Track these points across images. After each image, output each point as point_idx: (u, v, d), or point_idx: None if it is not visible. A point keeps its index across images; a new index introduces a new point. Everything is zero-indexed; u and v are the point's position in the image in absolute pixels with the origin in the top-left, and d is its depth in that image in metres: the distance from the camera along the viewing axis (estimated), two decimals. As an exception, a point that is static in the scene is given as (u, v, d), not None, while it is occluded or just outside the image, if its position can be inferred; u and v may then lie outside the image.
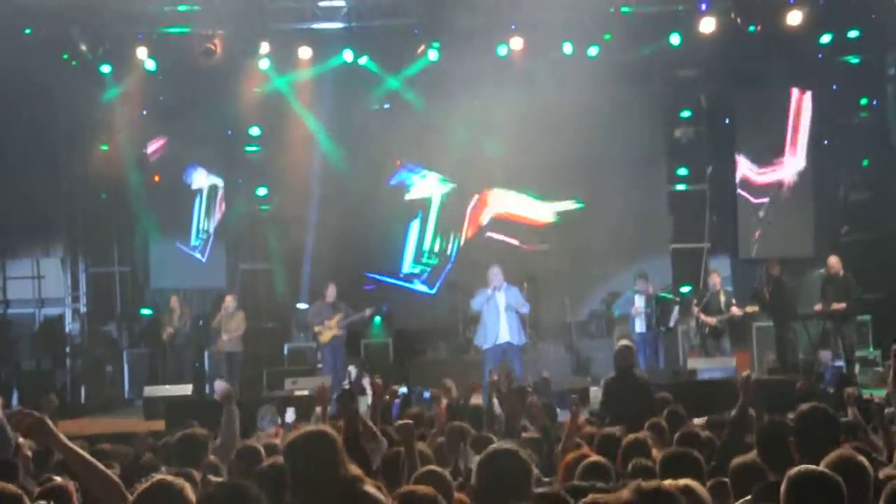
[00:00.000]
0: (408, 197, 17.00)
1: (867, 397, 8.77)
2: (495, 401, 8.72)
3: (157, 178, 16.61)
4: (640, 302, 14.59)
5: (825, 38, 15.44)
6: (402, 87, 16.37)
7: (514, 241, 16.56)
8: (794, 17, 14.59)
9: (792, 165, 16.32)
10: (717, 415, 8.32)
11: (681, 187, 17.16)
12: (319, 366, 15.09)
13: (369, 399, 7.64)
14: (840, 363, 13.49)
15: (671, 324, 14.79)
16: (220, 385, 10.15)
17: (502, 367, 11.82)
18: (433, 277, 16.98)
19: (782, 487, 3.65)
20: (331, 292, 14.75)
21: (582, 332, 16.37)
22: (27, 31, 14.45)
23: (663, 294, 15.16)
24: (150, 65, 15.28)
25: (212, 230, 16.72)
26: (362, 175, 16.58)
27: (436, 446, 6.70)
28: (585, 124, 15.37)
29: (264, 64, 15.45)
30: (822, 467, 3.77)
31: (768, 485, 4.30)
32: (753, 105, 16.57)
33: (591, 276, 16.62)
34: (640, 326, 14.56)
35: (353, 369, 14.06)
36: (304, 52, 15.34)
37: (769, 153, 16.32)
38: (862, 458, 3.99)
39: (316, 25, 15.24)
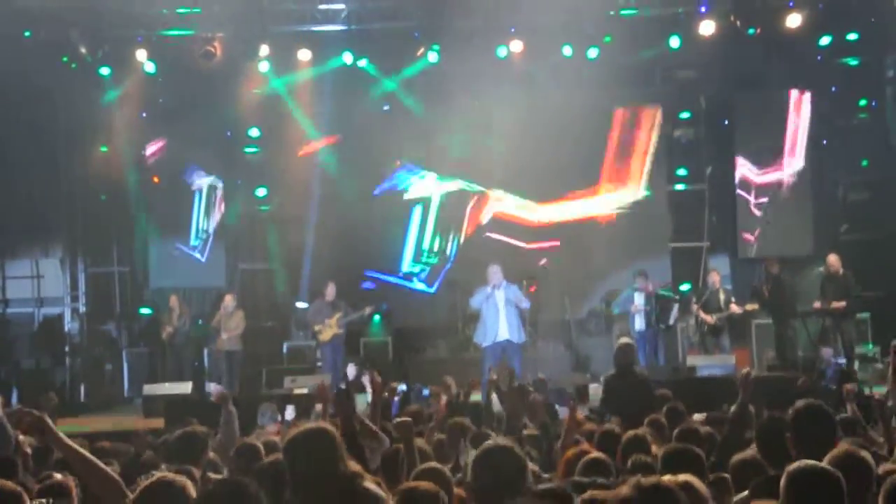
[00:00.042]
0: (407, 196, 17.02)
1: (868, 394, 8.79)
2: (494, 398, 8.72)
3: (156, 180, 16.65)
4: (639, 300, 14.65)
5: (824, 41, 15.47)
6: (401, 90, 16.39)
7: (514, 241, 16.57)
8: (794, 20, 14.62)
9: (791, 166, 16.37)
10: (716, 411, 8.34)
11: (680, 187, 17.19)
12: (319, 364, 15.13)
13: (369, 396, 7.62)
14: (842, 360, 13.50)
15: (671, 321, 14.81)
16: (214, 388, 10.21)
17: (502, 365, 11.83)
18: (432, 276, 17.01)
19: (782, 482, 3.66)
20: (330, 291, 14.86)
21: (581, 330, 16.38)
22: (27, 33, 14.46)
23: (663, 292, 15.19)
24: (150, 67, 15.29)
25: (211, 230, 16.76)
26: (362, 176, 16.61)
27: (435, 442, 6.70)
28: (585, 126, 15.36)
29: (264, 66, 15.46)
30: (825, 463, 3.78)
31: (766, 479, 4.31)
32: (753, 106, 16.62)
33: (591, 274, 16.64)
34: (639, 324, 14.62)
35: (352, 367, 14.06)
36: (304, 55, 15.36)
37: (768, 154, 16.37)
38: (865, 454, 4.00)
39: (316, 28, 15.26)
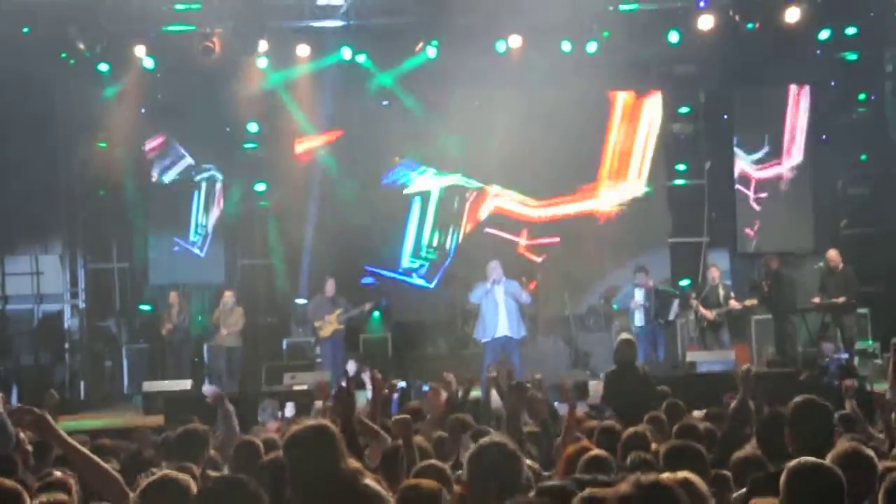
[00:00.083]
0: (406, 192, 17.01)
1: (868, 390, 8.78)
2: (493, 395, 8.71)
3: (155, 176, 16.64)
4: (639, 295, 14.62)
5: (823, 35, 15.43)
6: (400, 85, 16.36)
7: (513, 237, 16.56)
8: (793, 14, 14.58)
9: (790, 161, 16.36)
10: (716, 407, 8.33)
11: (679, 182, 17.19)
12: (319, 360, 15.13)
13: (369, 393, 7.62)
14: (845, 355, 13.49)
15: (670, 317, 14.80)
16: (209, 389, 10.21)
17: (502, 363, 11.81)
18: (432, 272, 16.99)
19: (782, 478, 3.65)
20: (330, 287, 14.89)
21: (581, 326, 16.37)
22: (25, 29, 14.40)
23: (662, 287, 15.18)
24: (149, 63, 15.23)
25: (210, 226, 16.74)
26: (361, 171, 16.60)
27: (435, 439, 6.69)
28: (585, 121, 15.33)
29: (263, 62, 15.43)
30: (828, 460, 3.78)
31: (765, 476, 4.31)
32: (752, 101, 16.61)
33: (590, 270, 16.63)
34: (639, 320, 14.59)
35: (352, 363, 14.05)
36: (303, 50, 15.33)
37: (768, 149, 16.35)
38: (869, 452, 4.00)
39: (314, 23, 15.22)
